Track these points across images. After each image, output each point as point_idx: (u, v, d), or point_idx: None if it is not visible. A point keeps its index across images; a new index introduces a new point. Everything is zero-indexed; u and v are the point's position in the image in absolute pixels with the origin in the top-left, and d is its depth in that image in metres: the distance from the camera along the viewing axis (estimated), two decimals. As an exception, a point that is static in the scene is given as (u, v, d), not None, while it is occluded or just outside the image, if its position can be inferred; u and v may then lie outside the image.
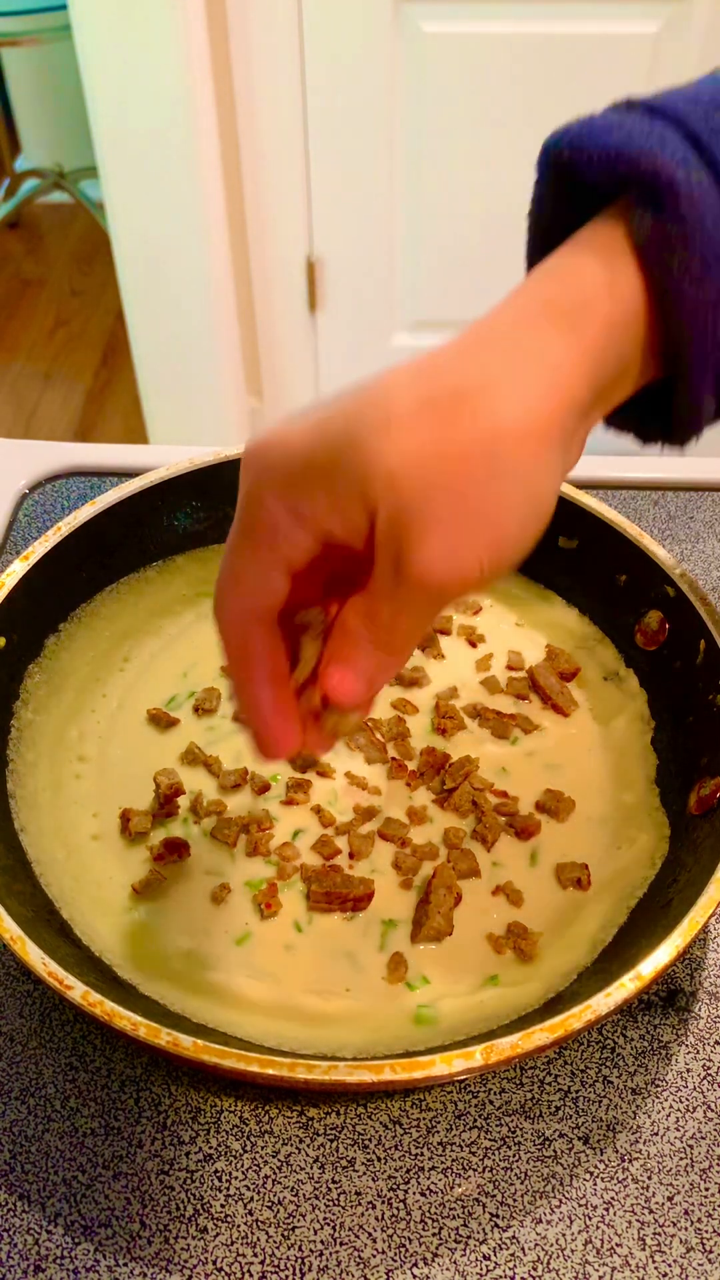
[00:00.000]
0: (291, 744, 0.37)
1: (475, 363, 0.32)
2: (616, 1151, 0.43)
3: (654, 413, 0.37)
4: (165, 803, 0.51)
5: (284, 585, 0.34)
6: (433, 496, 0.31)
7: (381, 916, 0.48)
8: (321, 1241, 0.40)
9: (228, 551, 0.35)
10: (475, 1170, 0.42)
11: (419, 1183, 0.42)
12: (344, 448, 0.31)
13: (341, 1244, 0.40)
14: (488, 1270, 0.40)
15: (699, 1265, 0.40)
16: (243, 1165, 0.42)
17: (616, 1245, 0.40)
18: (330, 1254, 0.40)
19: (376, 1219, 0.41)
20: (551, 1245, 0.40)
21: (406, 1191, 0.42)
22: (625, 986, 0.39)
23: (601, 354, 0.33)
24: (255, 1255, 0.40)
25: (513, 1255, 0.40)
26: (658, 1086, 0.44)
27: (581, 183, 0.35)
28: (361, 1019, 0.45)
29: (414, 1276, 0.40)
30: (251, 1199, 0.41)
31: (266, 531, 0.33)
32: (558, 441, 0.33)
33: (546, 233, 0.37)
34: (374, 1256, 0.40)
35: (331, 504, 0.32)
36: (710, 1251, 0.40)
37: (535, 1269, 0.40)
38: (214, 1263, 0.40)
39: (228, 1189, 0.42)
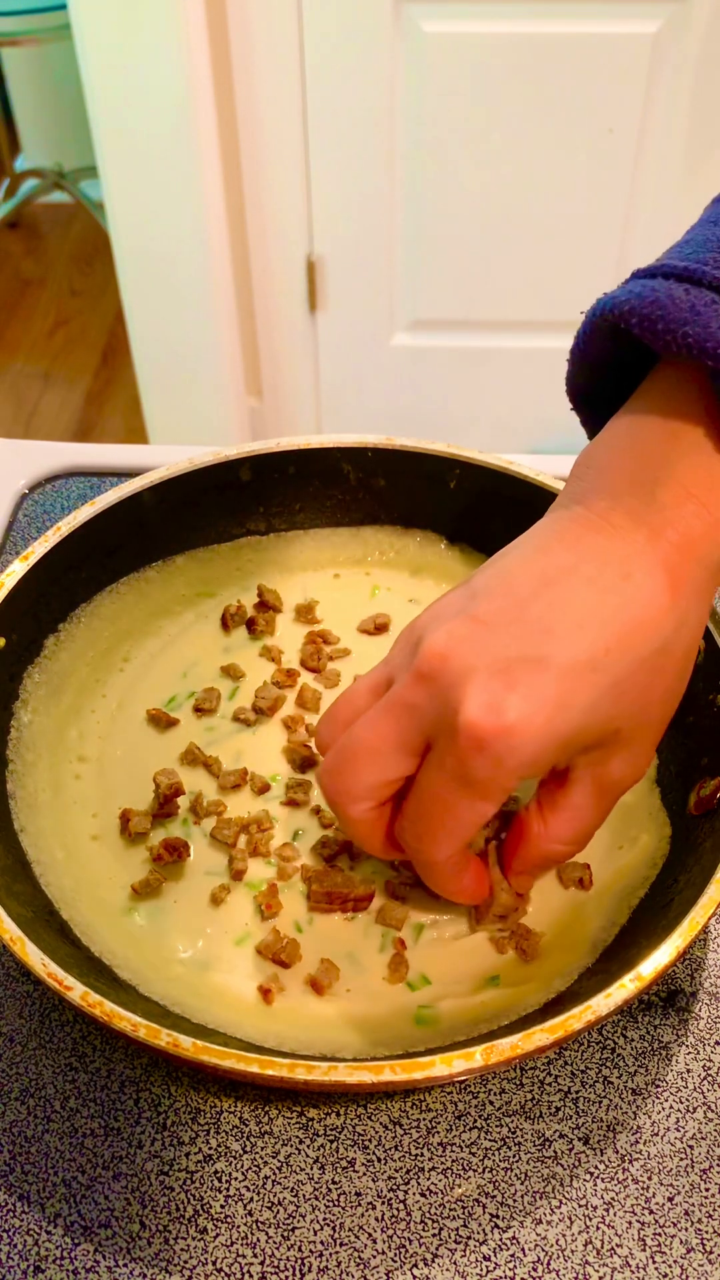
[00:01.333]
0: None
1: (663, 614, 0.37)
2: (617, 1152, 0.43)
3: None
4: (165, 803, 0.51)
5: None
6: (642, 728, 0.40)
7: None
8: (321, 1242, 0.40)
9: (452, 808, 0.39)
10: (475, 1171, 0.42)
11: (419, 1183, 0.42)
12: (589, 728, 0.38)
13: (341, 1245, 0.40)
14: (488, 1271, 0.40)
15: (699, 1266, 0.40)
16: (243, 1166, 0.42)
17: (617, 1246, 0.40)
18: (330, 1255, 0.40)
19: (376, 1220, 0.41)
20: (551, 1246, 0.40)
21: (406, 1192, 0.42)
22: (626, 987, 0.39)
23: None
24: (255, 1256, 0.40)
25: (513, 1256, 0.40)
26: (658, 1087, 0.44)
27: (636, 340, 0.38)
28: (361, 1019, 0.45)
29: (414, 1277, 0.40)
30: (251, 1200, 0.41)
31: (501, 797, 0.39)
32: None
33: (597, 371, 0.42)
34: (374, 1257, 0.40)
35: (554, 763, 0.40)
36: (710, 1252, 0.40)
37: (535, 1269, 0.40)
38: (214, 1263, 0.40)
39: (228, 1190, 0.41)
